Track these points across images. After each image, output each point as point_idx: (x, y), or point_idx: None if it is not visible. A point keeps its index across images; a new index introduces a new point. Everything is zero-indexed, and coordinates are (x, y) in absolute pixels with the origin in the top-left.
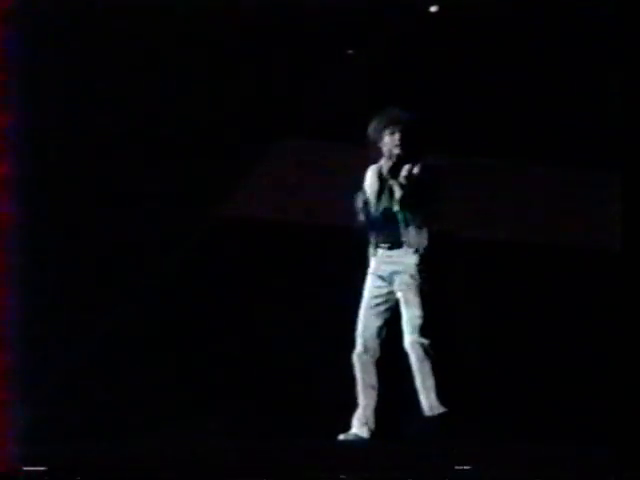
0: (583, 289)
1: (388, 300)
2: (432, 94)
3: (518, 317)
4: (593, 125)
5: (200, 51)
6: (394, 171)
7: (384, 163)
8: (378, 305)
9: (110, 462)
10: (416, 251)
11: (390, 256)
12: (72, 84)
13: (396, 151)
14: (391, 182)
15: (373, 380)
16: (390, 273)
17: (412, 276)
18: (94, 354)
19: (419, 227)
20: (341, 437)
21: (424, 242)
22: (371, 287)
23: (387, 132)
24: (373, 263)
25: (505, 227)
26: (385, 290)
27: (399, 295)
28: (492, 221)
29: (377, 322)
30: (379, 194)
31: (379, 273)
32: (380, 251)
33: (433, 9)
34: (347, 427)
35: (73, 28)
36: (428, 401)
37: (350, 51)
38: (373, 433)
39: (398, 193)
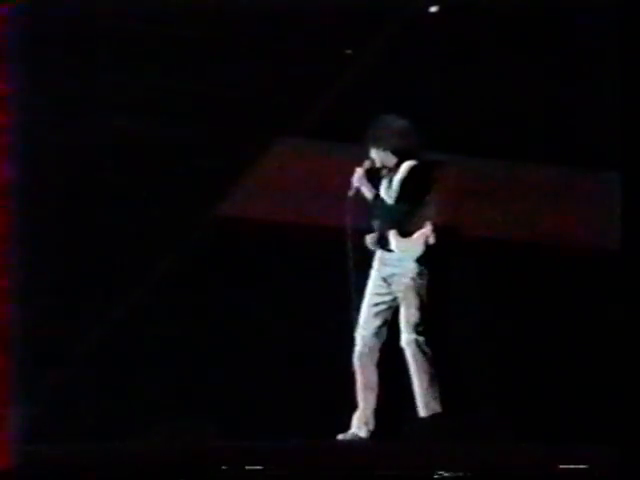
0: (582, 289)
1: (388, 300)
2: (431, 94)
3: (517, 317)
4: (593, 125)
5: (200, 50)
6: (380, 180)
7: (374, 172)
8: (378, 305)
9: (110, 462)
10: (411, 257)
11: (390, 258)
12: (71, 83)
13: (386, 163)
14: (377, 191)
15: (373, 380)
16: (390, 274)
17: (412, 278)
18: (94, 354)
19: (410, 235)
20: (340, 437)
21: (415, 249)
22: (372, 287)
23: (374, 148)
24: (376, 263)
25: (504, 227)
26: (385, 290)
27: (399, 295)
28: (491, 221)
29: (377, 322)
30: (370, 201)
31: (380, 274)
32: (380, 252)
33: (433, 9)
34: (347, 427)
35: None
36: (424, 400)
37: (349, 51)
38: (372, 433)
39: (381, 203)
